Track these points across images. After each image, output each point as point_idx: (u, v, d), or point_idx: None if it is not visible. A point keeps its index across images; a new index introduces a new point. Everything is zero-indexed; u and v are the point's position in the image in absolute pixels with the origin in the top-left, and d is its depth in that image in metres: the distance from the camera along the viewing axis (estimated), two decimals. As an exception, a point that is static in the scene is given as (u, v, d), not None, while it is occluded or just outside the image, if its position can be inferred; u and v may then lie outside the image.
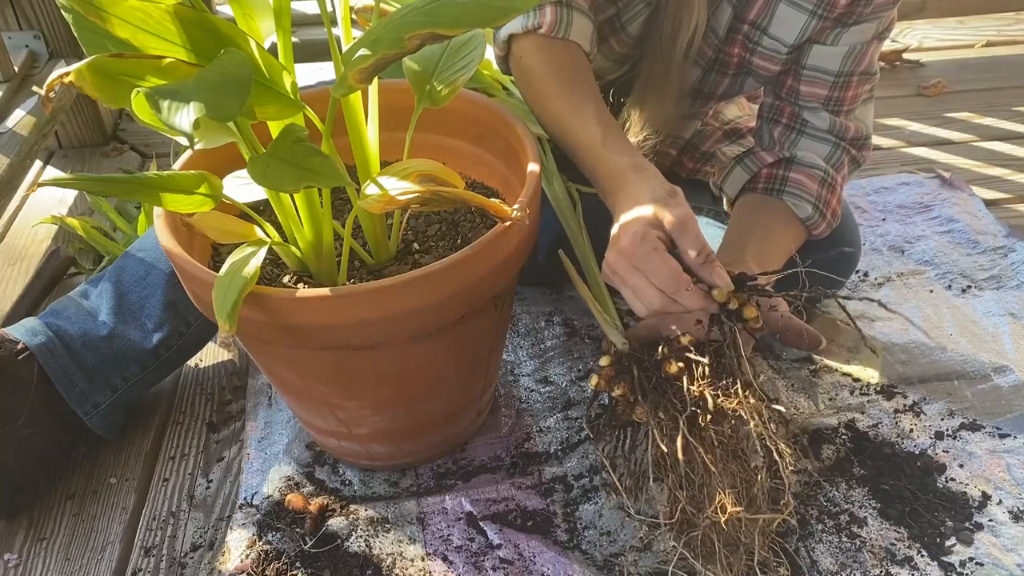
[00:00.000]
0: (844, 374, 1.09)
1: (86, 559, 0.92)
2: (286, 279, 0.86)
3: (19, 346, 0.96)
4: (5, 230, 1.46)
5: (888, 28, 1.02)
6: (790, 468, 0.79)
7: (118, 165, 1.65)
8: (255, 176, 0.69)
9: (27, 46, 1.62)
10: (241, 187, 0.81)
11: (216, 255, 0.94)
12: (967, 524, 0.89)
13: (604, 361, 0.82)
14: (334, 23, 0.77)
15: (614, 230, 0.85)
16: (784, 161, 1.06)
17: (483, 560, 0.88)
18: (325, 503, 0.94)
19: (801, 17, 0.99)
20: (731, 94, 1.12)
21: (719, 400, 0.76)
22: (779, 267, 1.04)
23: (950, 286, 1.24)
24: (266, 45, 0.74)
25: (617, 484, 0.80)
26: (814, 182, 1.05)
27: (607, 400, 0.84)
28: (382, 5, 0.83)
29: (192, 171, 0.75)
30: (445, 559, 0.88)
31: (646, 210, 0.83)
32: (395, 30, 0.64)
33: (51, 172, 1.64)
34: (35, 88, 1.53)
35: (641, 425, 0.80)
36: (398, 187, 0.74)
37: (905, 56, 1.97)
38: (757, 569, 0.77)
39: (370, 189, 0.75)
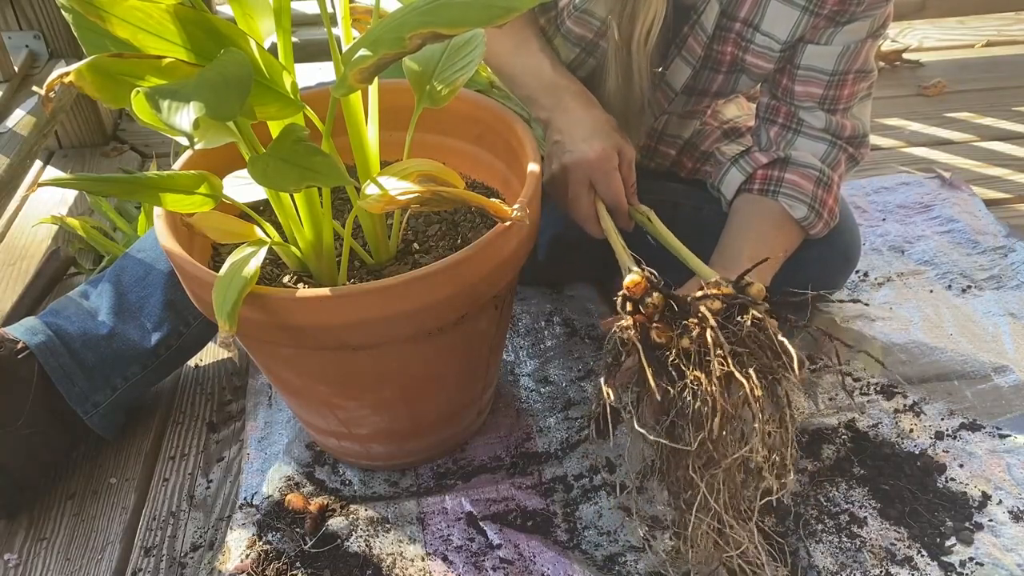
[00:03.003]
0: (844, 374, 1.09)
1: (86, 559, 0.92)
2: (286, 279, 0.86)
3: (19, 345, 0.96)
4: (5, 230, 1.46)
5: (883, 26, 1.02)
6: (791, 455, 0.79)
7: (118, 165, 1.65)
8: (256, 176, 0.69)
9: (27, 46, 1.62)
10: (241, 187, 0.81)
11: (216, 255, 0.94)
12: (967, 524, 0.89)
13: (637, 271, 0.81)
14: (334, 23, 0.77)
15: (559, 136, 0.98)
16: (779, 161, 1.06)
17: (483, 560, 0.88)
18: (325, 503, 0.94)
19: (793, 13, 0.99)
20: (725, 92, 1.11)
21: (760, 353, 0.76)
22: (775, 269, 1.04)
23: (950, 286, 1.24)
24: (266, 45, 0.74)
25: (652, 381, 0.76)
26: (809, 182, 1.05)
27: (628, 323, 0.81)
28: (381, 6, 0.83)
29: (192, 171, 0.75)
30: (445, 559, 0.88)
31: (610, 135, 0.97)
32: (395, 30, 0.64)
33: (51, 172, 1.64)
34: (35, 88, 1.53)
35: (666, 344, 0.79)
36: (398, 187, 0.74)
37: (905, 56, 1.97)
38: (753, 564, 0.77)
39: (370, 189, 0.75)
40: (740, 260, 0.99)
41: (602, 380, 0.78)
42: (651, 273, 0.82)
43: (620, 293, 0.82)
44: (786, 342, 0.78)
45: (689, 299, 0.79)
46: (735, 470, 0.76)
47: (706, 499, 0.75)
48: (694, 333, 0.76)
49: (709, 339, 0.75)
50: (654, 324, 0.79)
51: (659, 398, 0.76)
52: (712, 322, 0.76)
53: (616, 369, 0.80)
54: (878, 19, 1.00)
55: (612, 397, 0.77)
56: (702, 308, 0.78)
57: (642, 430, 0.77)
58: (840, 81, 1.02)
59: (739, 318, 0.78)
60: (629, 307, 0.80)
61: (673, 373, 0.77)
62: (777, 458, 0.77)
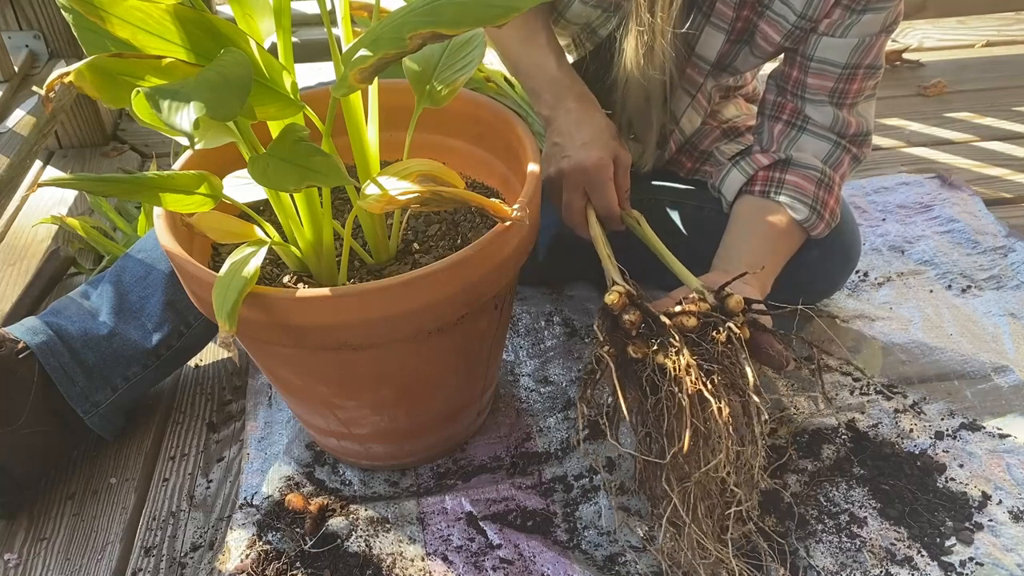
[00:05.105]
0: (844, 374, 1.09)
1: (86, 559, 0.92)
2: (286, 279, 0.86)
3: (20, 345, 0.96)
4: (5, 230, 1.46)
5: (895, 21, 1.02)
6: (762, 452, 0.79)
7: (118, 165, 1.65)
8: (256, 176, 0.69)
9: (27, 46, 1.63)
10: (241, 187, 0.81)
11: (216, 255, 0.94)
12: (967, 524, 0.89)
13: (619, 288, 0.82)
14: (334, 23, 0.77)
15: (559, 139, 0.99)
16: (780, 163, 1.06)
17: (483, 560, 0.88)
18: (325, 503, 0.94)
19: None
20: (724, 64, 1.10)
21: (724, 371, 0.77)
22: (776, 272, 1.04)
23: (950, 286, 1.24)
24: (266, 45, 0.74)
25: (623, 402, 0.78)
26: (811, 183, 1.05)
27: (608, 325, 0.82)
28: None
29: (192, 171, 0.75)
30: (445, 559, 0.88)
31: (607, 143, 0.98)
32: (396, 30, 0.64)
33: (51, 172, 1.64)
34: (35, 88, 1.53)
35: (642, 360, 0.79)
36: (398, 187, 0.74)
37: (905, 56, 1.97)
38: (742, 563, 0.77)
39: (370, 189, 0.75)
40: (741, 263, 1.00)
41: (578, 397, 0.81)
42: (633, 287, 0.84)
43: (599, 308, 0.83)
44: (747, 364, 0.79)
45: (663, 317, 0.80)
46: (709, 484, 0.77)
47: (677, 510, 0.76)
48: (669, 350, 0.78)
49: (681, 361, 0.76)
50: (631, 340, 0.80)
51: (627, 418, 0.78)
52: (679, 344, 0.77)
53: (592, 384, 0.81)
54: (891, 13, 1.00)
55: (587, 412, 0.80)
56: (674, 326, 0.79)
57: (615, 443, 0.80)
58: (851, 75, 1.03)
59: (714, 334, 0.79)
60: (608, 323, 0.81)
61: (647, 388, 0.78)
62: (745, 473, 0.78)
